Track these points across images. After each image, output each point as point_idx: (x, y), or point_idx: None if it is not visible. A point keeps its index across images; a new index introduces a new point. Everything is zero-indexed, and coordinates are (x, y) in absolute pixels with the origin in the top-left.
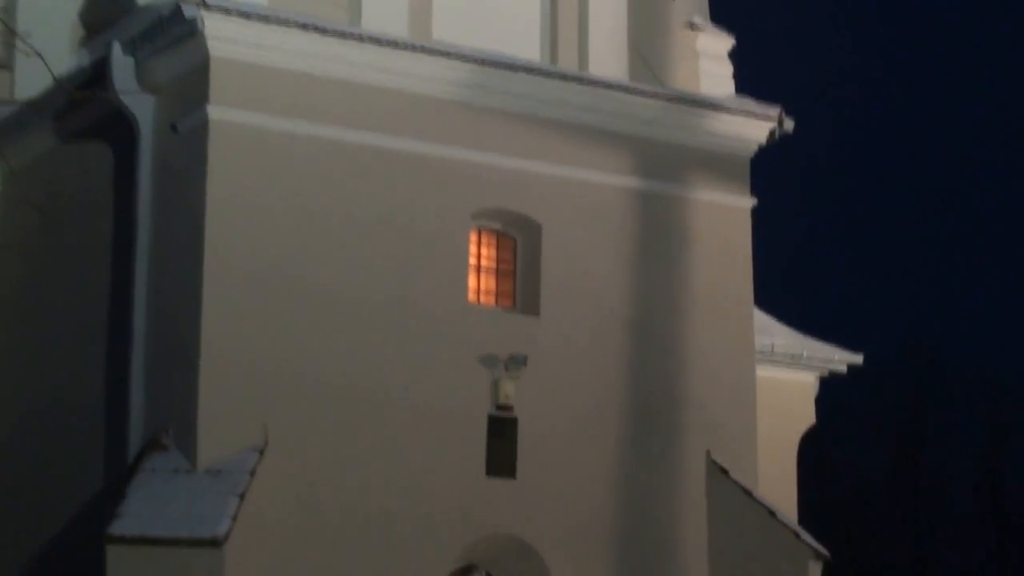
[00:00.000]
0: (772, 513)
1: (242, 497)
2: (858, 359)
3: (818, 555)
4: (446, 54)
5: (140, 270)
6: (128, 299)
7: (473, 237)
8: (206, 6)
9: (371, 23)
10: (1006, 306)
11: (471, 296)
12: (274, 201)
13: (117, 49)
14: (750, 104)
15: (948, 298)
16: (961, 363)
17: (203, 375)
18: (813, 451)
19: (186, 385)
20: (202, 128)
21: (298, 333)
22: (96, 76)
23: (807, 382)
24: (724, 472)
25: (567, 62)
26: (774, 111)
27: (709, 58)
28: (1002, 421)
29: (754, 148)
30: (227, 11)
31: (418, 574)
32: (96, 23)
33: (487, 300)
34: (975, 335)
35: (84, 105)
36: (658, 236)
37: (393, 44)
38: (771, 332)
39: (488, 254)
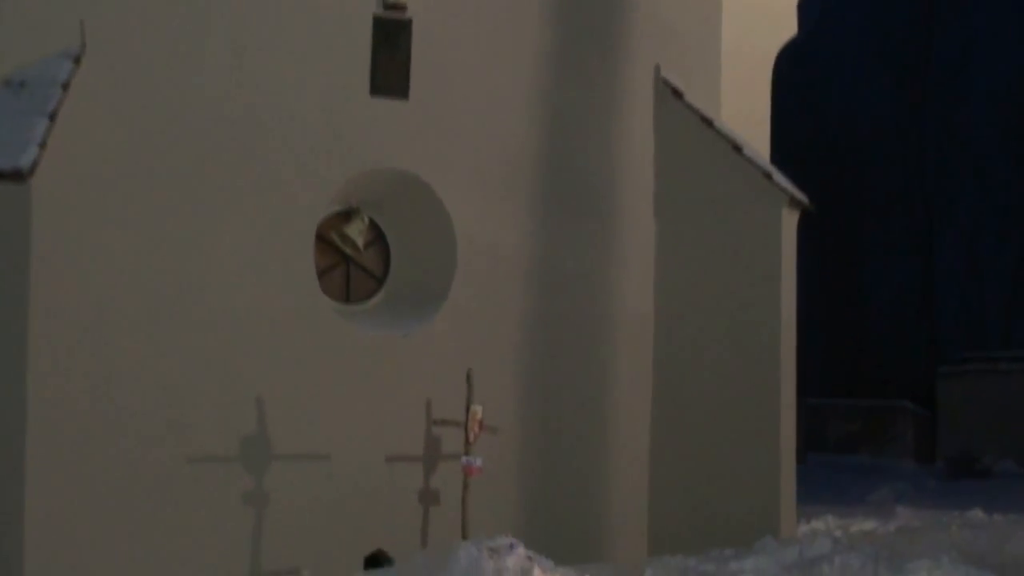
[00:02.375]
0: (738, 148)
1: (52, 117)
2: None
3: (794, 201)
4: None
5: None
6: None
7: None
8: None
9: None
10: None
11: None
12: None
13: None
14: None
15: None
16: None
17: None
18: (794, 72)
19: None
20: None
21: None
22: None
23: None
24: (677, 95)
25: None
26: None
27: None
28: None
29: None
30: None
31: (284, 221)
32: None
33: None
34: None
35: None
36: None
37: None
38: None
39: None
